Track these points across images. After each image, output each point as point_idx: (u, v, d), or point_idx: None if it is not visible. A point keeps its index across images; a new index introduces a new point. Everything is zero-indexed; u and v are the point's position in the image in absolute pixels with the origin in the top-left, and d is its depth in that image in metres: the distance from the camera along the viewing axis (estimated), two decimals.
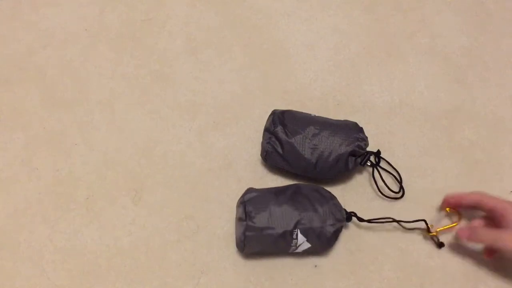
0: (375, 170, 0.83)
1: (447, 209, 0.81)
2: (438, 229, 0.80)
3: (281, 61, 0.97)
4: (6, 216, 0.79)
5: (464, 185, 0.86)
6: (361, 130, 0.82)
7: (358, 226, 0.81)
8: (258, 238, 0.72)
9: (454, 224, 0.81)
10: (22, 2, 1.00)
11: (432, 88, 0.96)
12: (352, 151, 0.79)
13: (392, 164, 0.86)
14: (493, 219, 0.75)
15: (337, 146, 0.79)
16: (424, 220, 0.80)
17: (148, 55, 0.96)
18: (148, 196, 0.82)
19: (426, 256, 0.79)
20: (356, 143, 0.79)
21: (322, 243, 0.74)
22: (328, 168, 0.79)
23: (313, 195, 0.75)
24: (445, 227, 0.80)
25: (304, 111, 0.84)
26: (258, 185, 0.81)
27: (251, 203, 0.73)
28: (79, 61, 0.94)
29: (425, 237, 0.81)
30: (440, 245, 0.80)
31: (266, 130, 0.81)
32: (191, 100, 0.91)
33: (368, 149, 0.82)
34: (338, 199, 0.76)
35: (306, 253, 0.77)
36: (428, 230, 0.80)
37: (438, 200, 0.84)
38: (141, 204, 0.81)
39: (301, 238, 0.72)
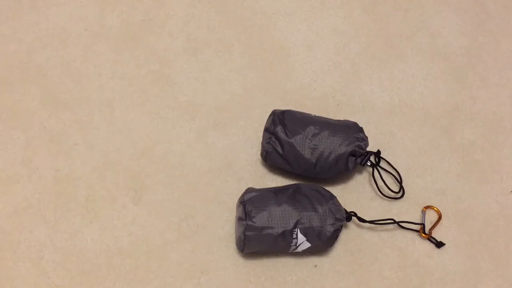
0: (375, 170, 0.83)
1: (424, 208, 0.82)
2: (430, 230, 0.81)
3: (281, 61, 0.97)
4: (6, 216, 0.79)
5: (464, 185, 0.86)
6: (361, 130, 0.82)
7: (358, 226, 0.81)
8: (258, 237, 0.72)
9: (438, 220, 0.81)
10: (22, 2, 1.00)
11: (432, 88, 0.96)
12: (352, 151, 0.79)
13: (392, 164, 0.86)
14: None
15: (337, 146, 0.79)
16: (423, 224, 0.80)
17: (148, 55, 0.96)
18: (148, 196, 0.82)
19: (426, 256, 0.80)
20: (356, 143, 0.79)
21: (322, 242, 0.74)
22: (328, 168, 0.79)
23: (313, 194, 0.75)
24: (433, 225, 0.81)
25: (304, 111, 0.84)
26: (258, 185, 0.81)
27: (251, 202, 0.73)
28: (79, 61, 0.94)
29: (424, 237, 0.81)
30: (439, 244, 0.80)
31: (266, 130, 0.81)
32: (191, 100, 0.91)
33: (368, 149, 0.82)
34: (338, 199, 0.76)
35: (306, 252, 0.77)
36: (422, 232, 0.80)
37: (438, 200, 0.84)
38: (141, 204, 0.81)
39: (301, 237, 0.72)
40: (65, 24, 0.98)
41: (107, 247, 0.78)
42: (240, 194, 0.76)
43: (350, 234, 0.81)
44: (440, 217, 0.82)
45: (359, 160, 0.81)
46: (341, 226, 0.75)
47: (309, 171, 0.80)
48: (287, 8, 1.03)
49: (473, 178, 0.87)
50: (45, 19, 0.98)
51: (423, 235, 0.80)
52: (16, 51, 0.95)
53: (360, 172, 0.86)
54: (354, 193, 0.84)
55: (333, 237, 0.74)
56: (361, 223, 0.79)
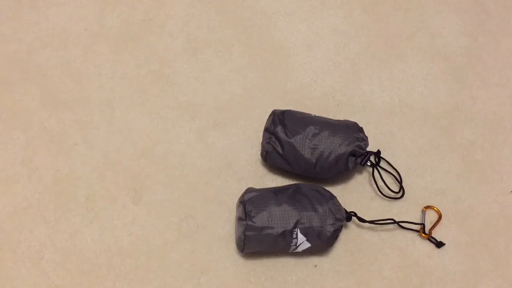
0: (375, 170, 0.83)
1: (424, 208, 0.82)
2: (430, 230, 0.81)
3: (281, 61, 0.97)
4: (6, 216, 0.79)
5: (464, 185, 0.86)
6: (361, 130, 0.82)
7: (358, 226, 0.81)
8: (258, 237, 0.72)
9: (438, 220, 0.81)
10: (22, 2, 1.00)
11: (432, 88, 0.96)
12: (352, 151, 0.79)
13: (392, 164, 0.86)
14: None
15: (337, 146, 0.79)
16: (423, 224, 0.80)
17: (148, 55, 0.96)
18: (148, 196, 0.82)
19: (426, 256, 0.80)
20: (356, 143, 0.79)
21: (322, 242, 0.74)
22: (328, 168, 0.79)
23: (312, 194, 0.75)
24: (433, 225, 0.81)
25: (304, 111, 0.84)
26: (258, 185, 0.81)
27: (251, 202, 0.73)
28: (79, 61, 0.94)
29: (424, 237, 0.81)
30: (439, 244, 0.80)
31: (266, 130, 0.81)
32: (191, 100, 0.91)
33: (368, 149, 0.82)
34: (338, 199, 0.76)
35: (306, 252, 0.77)
36: (422, 232, 0.80)
37: (438, 200, 0.84)
38: (141, 204, 0.81)
39: (301, 237, 0.72)
40: (65, 24, 0.98)
41: (107, 247, 0.78)
42: (240, 194, 0.76)
43: (350, 234, 0.81)
44: (440, 217, 0.82)
45: (359, 160, 0.81)
46: (341, 226, 0.75)
47: (309, 171, 0.80)
48: (287, 8, 1.03)
49: (473, 178, 0.87)
50: (45, 19, 0.98)
51: (423, 235, 0.80)
52: (16, 51, 0.95)
53: (360, 172, 0.86)
54: (354, 193, 0.84)
55: (333, 237, 0.74)
56: (361, 223, 0.79)
